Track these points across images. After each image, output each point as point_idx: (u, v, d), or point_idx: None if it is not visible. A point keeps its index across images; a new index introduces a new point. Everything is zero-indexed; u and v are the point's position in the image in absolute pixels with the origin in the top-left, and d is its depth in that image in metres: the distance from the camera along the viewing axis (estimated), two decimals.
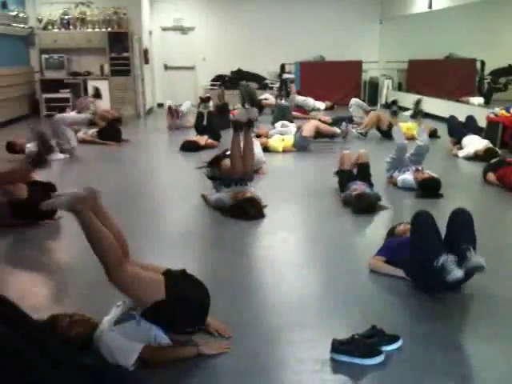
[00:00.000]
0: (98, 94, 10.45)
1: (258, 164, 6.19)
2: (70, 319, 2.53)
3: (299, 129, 8.08)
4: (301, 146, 7.86)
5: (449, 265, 2.94)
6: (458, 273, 2.93)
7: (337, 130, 8.25)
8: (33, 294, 3.28)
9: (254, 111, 5.17)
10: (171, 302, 2.41)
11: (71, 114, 9.07)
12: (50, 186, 4.67)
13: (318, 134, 8.16)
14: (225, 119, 9.28)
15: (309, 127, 7.95)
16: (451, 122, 8.16)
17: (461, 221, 3.21)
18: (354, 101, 10.56)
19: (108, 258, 2.37)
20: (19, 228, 4.45)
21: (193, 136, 8.48)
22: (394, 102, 8.90)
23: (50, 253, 4.16)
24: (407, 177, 5.52)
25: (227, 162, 4.96)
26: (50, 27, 12.01)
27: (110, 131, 8.74)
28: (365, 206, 4.75)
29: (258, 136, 8.22)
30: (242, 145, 4.93)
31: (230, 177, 4.92)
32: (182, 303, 2.46)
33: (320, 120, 10.25)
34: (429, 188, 5.25)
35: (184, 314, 2.47)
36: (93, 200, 2.48)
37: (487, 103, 10.42)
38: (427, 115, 11.01)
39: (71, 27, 12.00)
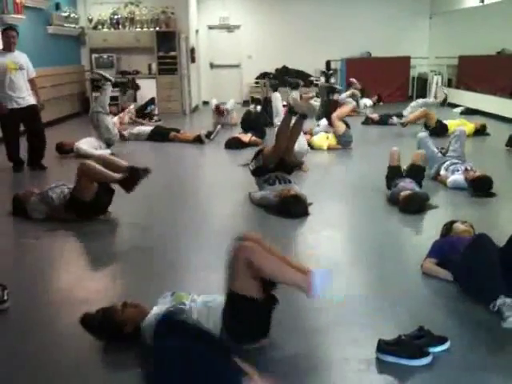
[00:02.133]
0: (134, 86, 10.67)
1: (301, 153, 6.21)
2: (122, 308, 2.60)
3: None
4: (343, 144, 7.79)
5: (506, 310, 2.75)
6: None
7: (353, 103, 8.19)
8: (86, 288, 3.38)
9: (313, 110, 5.25)
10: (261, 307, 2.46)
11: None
12: (112, 189, 4.74)
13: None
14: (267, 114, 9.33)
15: (336, 126, 7.89)
16: None
17: None
18: (421, 101, 10.23)
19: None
20: (72, 222, 4.57)
21: (237, 133, 8.54)
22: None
23: (103, 246, 4.27)
24: (458, 177, 5.38)
25: (270, 147, 5.18)
26: (99, 27, 12.31)
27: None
28: (414, 209, 4.65)
29: (304, 133, 8.19)
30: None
31: (273, 159, 5.03)
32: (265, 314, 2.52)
33: (368, 117, 10.16)
34: (480, 187, 5.11)
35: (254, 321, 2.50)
36: None
37: None
38: (477, 112, 10.73)
39: (120, 27, 12.27)
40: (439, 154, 5.84)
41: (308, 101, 6.97)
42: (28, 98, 6.52)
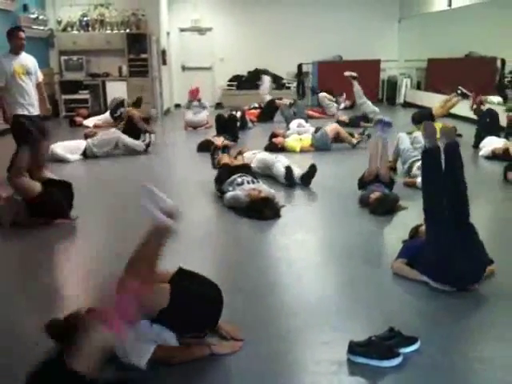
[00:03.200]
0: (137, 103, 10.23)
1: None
2: (84, 315, 2.54)
3: (318, 129, 8.05)
4: (323, 144, 7.84)
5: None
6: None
7: (354, 141, 8.11)
8: (49, 295, 3.31)
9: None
10: (174, 310, 2.39)
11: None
12: (66, 184, 4.70)
13: (335, 139, 8.08)
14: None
15: (331, 129, 7.92)
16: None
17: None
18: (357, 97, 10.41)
19: (142, 273, 2.37)
20: (35, 228, 4.48)
21: (209, 136, 8.50)
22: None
23: (64, 254, 4.19)
24: None
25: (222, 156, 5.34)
26: (69, 29, 12.14)
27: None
28: (385, 210, 4.69)
29: (275, 136, 8.22)
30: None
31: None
32: (186, 309, 2.45)
33: (339, 120, 10.24)
34: None
35: (191, 318, 2.47)
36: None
37: (506, 102, 10.26)
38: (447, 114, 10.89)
39: (90, 29, 12.12)
40: (414, 152, 5.89)
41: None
42: (37, 106, 6.05)
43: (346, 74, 10.13)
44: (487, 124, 7.77)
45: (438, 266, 3.16)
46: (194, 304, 2.49)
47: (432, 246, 3.19)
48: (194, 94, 10.30)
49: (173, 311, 2.39)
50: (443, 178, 3.22)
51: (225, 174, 5.27)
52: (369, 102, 10.24)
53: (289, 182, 5.67)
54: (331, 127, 7.99)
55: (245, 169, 5.35)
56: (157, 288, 2.46)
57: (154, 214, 2.39)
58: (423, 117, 8.54)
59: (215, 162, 5.80)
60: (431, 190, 3.24)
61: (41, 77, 6.20)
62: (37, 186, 4.49)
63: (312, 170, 5.69)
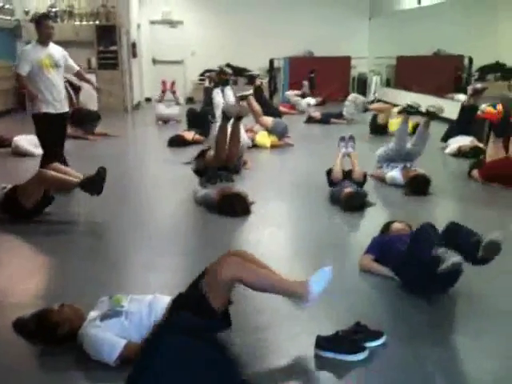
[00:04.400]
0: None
1: (242, 149, 6.25)
2: (59, 308, 2.53)
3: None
4: (281, 133, 7.99)
5: (444, 253, 2.85)
6: (455, 258, 2.80)
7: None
8: (20, 290, 3.26)
9: (246, 109, 5.27)
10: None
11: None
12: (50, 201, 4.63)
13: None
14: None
15: (262, 122, 8.07)
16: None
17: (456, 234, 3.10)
18: (352, 96, 10.51)
19: None
20: (6, 221, 4.41)
21: (180, 130, 8.46)
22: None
23: (39, 246, 4.13)
24: (396, 174, 5.54)
25: (211, 152, 5.06)
26: None
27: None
28: (355, 206, 4.76)
29: (245, 131, 8.22)
30: (229, 133, 5.04)
31: (215, 166, 5.00)
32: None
33: (310, 116, 10.32)
34: (417, 186, 5.27)
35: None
36: None
37: None
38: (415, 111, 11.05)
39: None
40: (389, 154, 5.90)
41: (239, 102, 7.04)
42: (64, 104, 5.54)
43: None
44: (466, 121, 7.78)
45: (416, 281, 3.13)
46: None
47: (412, 261, 3.10)
48: (169, 86, 10.23)
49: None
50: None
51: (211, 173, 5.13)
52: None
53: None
54: (257, 120, 8.13)
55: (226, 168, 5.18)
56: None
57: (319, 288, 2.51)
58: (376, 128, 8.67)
59: (200, 165, 5.48)
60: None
61: (76, 67, 5.78)
62: (39, 196, 4.42)
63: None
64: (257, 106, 8.13)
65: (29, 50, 5.29)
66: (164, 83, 10.25)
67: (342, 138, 5.57)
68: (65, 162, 5.41)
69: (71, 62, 5.66)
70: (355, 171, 5.20)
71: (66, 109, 5.58)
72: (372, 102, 11.40)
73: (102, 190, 4.45)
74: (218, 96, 6.85)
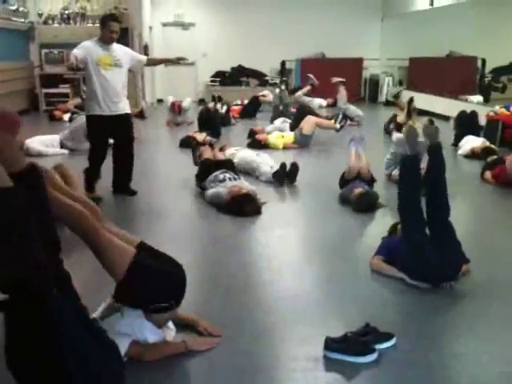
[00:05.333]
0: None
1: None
2: None
3: (298, 126, 8.06)
4: (302, 143, 7.88)
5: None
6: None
7: (336, 125, 8.22)
8: None
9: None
10: (134, 274, 2.33)
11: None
12: None
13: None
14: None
15: (309, 125, 7.93)
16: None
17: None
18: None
19: (83, 226, 2.31)
20: None
21: (191, 132, 8.48)
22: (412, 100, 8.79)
23: None
24: None
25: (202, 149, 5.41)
26: (50, 22, 11.99)
27: None
28: (366, 206, 4.73)
29: (255, 133, 8.23)
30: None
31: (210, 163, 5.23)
32: (147, 274, 2.39)
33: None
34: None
35: (152, 285, 2.39)
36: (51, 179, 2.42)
37: (486, 101, 10.40)
38: (427, 113, 11.01)
39: (71, 22, 11.98)
40: (389, 158, 5.89)
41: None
42: (122, 105, 5.16)
43: (334, 80, 10.17)
44: (466, 124, 7.82)
45: (414, 263, 3.21)
46: (153, 270, 2.43)
47: (408, 244, 3.24)
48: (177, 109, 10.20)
49: (130, 278, 2.33)
50: (424, 180, 3.28)
51: (206, 169, 5.26)
52: (352, 107, 10.32)
53: (278, 179, 5.67)
54: (309, 123, 7.96)
55: (227, 165, 5.33)
56: (123, 246, 2.39)
57: None
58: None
59: (196, 157, 5.76)
60: (408, 194, 3.29)
61: (144, 59, 5.50)
62: None
63: (293, 168, 5.71)
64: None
65: (88, 45, 5.02)
66: (174, 105, 10.22)
67: (352, 140, 5.54)
68: (129, 172, 5.39)
69: (137, 58, 5.40)
70: (363, 168, 5.17)
71: (124, 110, 5.21)
72: (396, 96, 11.36)
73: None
74: None
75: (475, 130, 7.72)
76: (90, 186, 5.17)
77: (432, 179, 3.29)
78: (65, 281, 2.06)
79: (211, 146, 6.25)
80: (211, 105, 10.00)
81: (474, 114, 8.00)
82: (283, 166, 5.71)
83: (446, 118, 9.78)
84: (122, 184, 5.37)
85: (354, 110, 10.28)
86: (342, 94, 10.22)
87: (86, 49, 4.98)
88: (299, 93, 10.80)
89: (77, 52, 4.92)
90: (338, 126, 8.15)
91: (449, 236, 3.21)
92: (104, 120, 5.07)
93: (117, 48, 5.12)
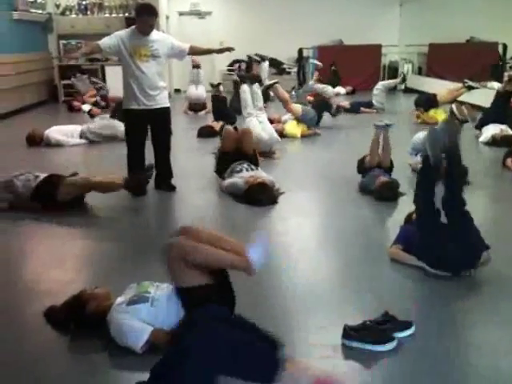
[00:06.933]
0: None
1: (270, 143, 6.45)
2: (90, 289, 2.64)
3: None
4: (310, 121, 7.95)
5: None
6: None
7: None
8: (51, 278, 3.32)
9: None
10: (217, 288, 2.45)
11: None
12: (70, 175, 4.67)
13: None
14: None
15: (292, 111, 7.99)
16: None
17: None
18: (380, 85, 10.38)
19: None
20: (38, 212, 4.48)
21: (209, 121, 8.48)
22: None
23: (71, 237, 4.19)
24: None
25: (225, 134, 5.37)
26: (67, 13, 12.05)
27: None
28: (390, 195, 4.69)
29: (272, 122, 8.19)
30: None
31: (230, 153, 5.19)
32: (225, 291, 2.53)
33: (338, 106, 10.18)
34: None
35: (218, 301, 2.45)
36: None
37: None
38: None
39: (89, 12, 12.02)
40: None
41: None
42: (160, 98, 4.92)
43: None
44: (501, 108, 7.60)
45: (432, 251, 3.17)
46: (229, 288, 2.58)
47: (424, 232, 3.20)
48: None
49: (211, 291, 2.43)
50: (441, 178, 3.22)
51: (225, 162, 5.23)
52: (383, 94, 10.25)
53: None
54: (287, 107, 8.03)
55: (248, 156, 5.27)
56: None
57: (259, 257, 2.45)
58: (427, 101, 8.51)
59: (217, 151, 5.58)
60: (425, 192, 3.24)
61: (186, 48, 5.09)
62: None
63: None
64: (285, 94, 8.08)
65: (122, 34, 4.82)
66: (190, 104, 10.28)
67: (378, 126, 5.39)
68: (168, 167, 5.15)
69: (178, 47, 5.03)
70: (386, 156, 5.11)
71: (162, 104, 4.96)
72: (403, 80, 11.32)
73: (142, 190, 4.46)
74: (245, 94, 6.82)
75: (502, 114, 7.51)
76: (140, 188, 4.91)
77: (448, 179, 3.19)
78: None
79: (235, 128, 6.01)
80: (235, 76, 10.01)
81: (509, 95, 7.75)
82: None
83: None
84: (164, 180, 5.16)
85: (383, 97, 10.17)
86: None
87: (120, 39, 4.77)
88: (311, 82, 10.73)
89: (105, 41, 4.79)
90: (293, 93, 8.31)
91: (466, 224, 3.17)
92: (141, 114, 4.86)
93: (155, 37, 4.84)
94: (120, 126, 7.20)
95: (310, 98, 10.81)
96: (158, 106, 4.90)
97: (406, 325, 2.58)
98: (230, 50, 5.25)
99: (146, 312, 2.46)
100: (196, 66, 10.55)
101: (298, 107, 7.99)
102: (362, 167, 5.16)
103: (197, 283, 2.41)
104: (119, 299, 2.57)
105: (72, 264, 3.63)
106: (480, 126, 7.51)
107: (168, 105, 5.06)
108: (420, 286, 3.14)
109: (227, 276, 2.59)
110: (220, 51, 5.52)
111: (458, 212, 3.16)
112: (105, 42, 4.80)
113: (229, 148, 5.26)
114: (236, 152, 5.24)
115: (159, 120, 4.98)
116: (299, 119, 7.90)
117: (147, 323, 2.42)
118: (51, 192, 4.42)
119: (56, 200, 4.43)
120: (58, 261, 3.64)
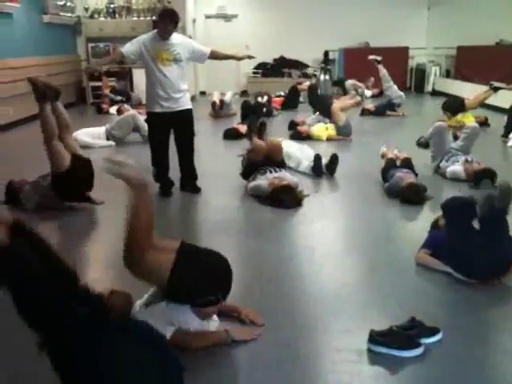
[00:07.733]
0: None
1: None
2: (109, 294, 2.57)
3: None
4: (344, 134, 7.80)
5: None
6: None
7: (357, 97, 8.24)
8: None
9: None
10: (179, 271, 2.37)
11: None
12: (86, 160, 4.66)
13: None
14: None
15: (336, 114, 7.89)
16: None
17: None
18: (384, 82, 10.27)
19: (138, 239, 2.37)
20: (60, 212, 4.55)
21: (234, 123, 8.50)
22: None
23: (85, 239, 4.24)
24: (457, 168, 5.37)
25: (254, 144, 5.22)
26: (96, 16, 12.23)
27: None
28: (416, 198, 4.63)
29: (297, 124, 8.18)
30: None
31: (258, 160, 5.09)
32: (193, 269, 2.42)
33: (364, 109, 10.11)
34: (481, 179, 5.06)
35: (199, 279, 2.41)
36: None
37: None
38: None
39: (117, 16, 12.18)
40: (448, 148, 5.69)
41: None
42: (183, 101, 4.94)
43: (371, 57, 10.05)
44: None
45: (461, 257, 3.12)
46: (198, 264, 2.46)
47: (453, 237, 3.15)
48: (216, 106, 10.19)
49: (180, 279, 2.37)
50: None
51: (252, 169, 5.19)
52: (395, 87, 10.10)
53: (317, 172, 5.63)
54: (335, 114, 7.93)
55: (276, 163, 5.18)
56: (164, 261, 2.42)
57: (127, 174, 2.34)
58: (455, 105, 8.38)
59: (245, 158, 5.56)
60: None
61: (207, 52, 5.22)
62: (66, 160, 4.45)
63: (333, 159, 5.65)
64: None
65: (144, 39, 4.84)
66: (215, 103, 10.24)
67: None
68: (192, 169, 5.21)
69: (199, 51, 5.13)
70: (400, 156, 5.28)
71: (185, 106, 4.98)
72: None
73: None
74: None
75: None
76: (166, 192, 5.10)
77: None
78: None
79: (260, 136, 5.98)
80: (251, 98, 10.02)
81: None
82: (318, 157, 5.65)
83: (496, 109, 9.46)
84: (188, 181, 5.22)
85: (396, 90, 10.06)
86: (383, 72, 10.02)
87: (142, 44, 4.80)
88: (352, 81, 10.84)
89: (127, 48, 4.83)
90: (358, 98, 8.36)
91: (499, 231, 3.10)
92: (164, 117, 4.88)
93: (177, 40, 4.88)
94: (135, 117, 7.64)
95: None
96: (180, 108, 4.93)
97: (434, 331, 2.55)
98: (250, 57, 5.29)
99: (163, 312, 2.44)
100: None
101: (342, 116, 7.92)
102: (386, 171, 5.13)
103: (167, 269, 2.36)
104: (138, 302, 2.57)
105: (81, 260, 3.67)
106: (506, 134, 7.37)
107: (190, 106, 5.08)
108: (447, 292, 3.09)
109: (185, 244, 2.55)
110: (240, 59, 5.58)
111: (492, 219, 3.10)
112: (127, 48, 4.84)
113: (257, 160, 5.15)
114: (264, 162, 5.13)
115: (182, 122, 5.00)
116: (337, 126, 7.83)
117: (165, 323, 2.40)
118: (57, 171, 4.46)
119: (66, 177, 4.43)
120: (72, 261, 3.69)
